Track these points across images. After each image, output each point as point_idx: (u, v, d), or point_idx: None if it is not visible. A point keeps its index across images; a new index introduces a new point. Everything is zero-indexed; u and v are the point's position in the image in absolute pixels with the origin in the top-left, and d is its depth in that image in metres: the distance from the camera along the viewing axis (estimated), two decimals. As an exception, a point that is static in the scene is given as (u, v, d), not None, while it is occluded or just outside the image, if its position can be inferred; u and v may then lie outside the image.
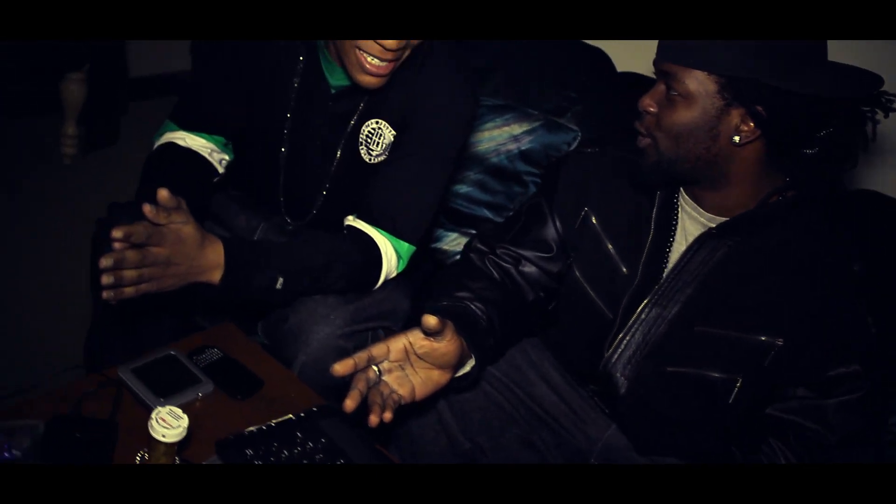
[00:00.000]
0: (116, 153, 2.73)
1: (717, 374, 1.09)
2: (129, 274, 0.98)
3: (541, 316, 1.29)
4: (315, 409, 1.08)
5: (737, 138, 1.01)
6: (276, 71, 1.30)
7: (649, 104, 1.06)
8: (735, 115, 1.00)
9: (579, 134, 1.77)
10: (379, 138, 1.31)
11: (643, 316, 1.13)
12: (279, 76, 1.31)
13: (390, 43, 1.11)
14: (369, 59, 1.14)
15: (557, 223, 1.23)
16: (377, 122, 1.31)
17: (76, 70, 2.51)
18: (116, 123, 2.74)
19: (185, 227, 1.04)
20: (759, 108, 0.98)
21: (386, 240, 1.28)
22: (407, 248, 1.31)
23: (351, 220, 1.31)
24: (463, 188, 1.79)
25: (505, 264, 1.24)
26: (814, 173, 1.07)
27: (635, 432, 1.21)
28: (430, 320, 0.96)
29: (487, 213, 1.78)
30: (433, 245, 1.78)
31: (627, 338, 1.15)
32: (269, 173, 1.39)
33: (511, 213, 1.35)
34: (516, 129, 1.78)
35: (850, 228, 1.12)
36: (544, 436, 1.25)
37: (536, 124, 1.79)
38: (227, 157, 1.37)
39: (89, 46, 2.49)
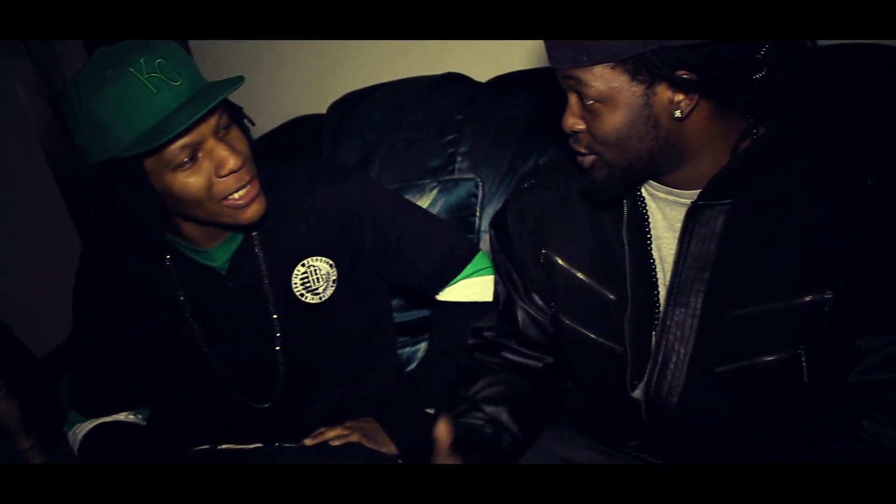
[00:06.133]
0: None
1: (773, 357, 0.94)
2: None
3: (558, 379, 1.19)
4: None
5: (678, 112, 0.87)
6: (155, 294, 1.21)
7: (574, 123, 0.94)
8: (662, 92, 0.87)
9: (478, 179, 1.61)
10: (316, 274, 1.24)
11: (668, 322, 0.98)
12: (161, 296, 1.21)
13: (232, 164, 1.05)
14: (235, 195, 1.08)
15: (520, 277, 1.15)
16: (303, 264, 1.23)
17: (-7, 390, 2.36)
18: (59, 407, 2.61)
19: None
20: (682, 72, 0.84)
21: (471, 280, 1.33)
22: (477, 259, 1.34)
23: (441, 296, 1.35)
24: (400, 299, 1.62)
25: (497, 352, 1.19)
26: (772, 100, 0.90)
27: (703, 458, 1.04)
28: None
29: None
30: (408, 369, 1.60)
31: (661, 353, 1.00)
32: (214, 392, 1.28)
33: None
34: (418, 209, 1.62)
35: (855, 140, 0.97)
36: None
37: (434, 193, 1.63)
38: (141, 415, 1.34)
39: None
